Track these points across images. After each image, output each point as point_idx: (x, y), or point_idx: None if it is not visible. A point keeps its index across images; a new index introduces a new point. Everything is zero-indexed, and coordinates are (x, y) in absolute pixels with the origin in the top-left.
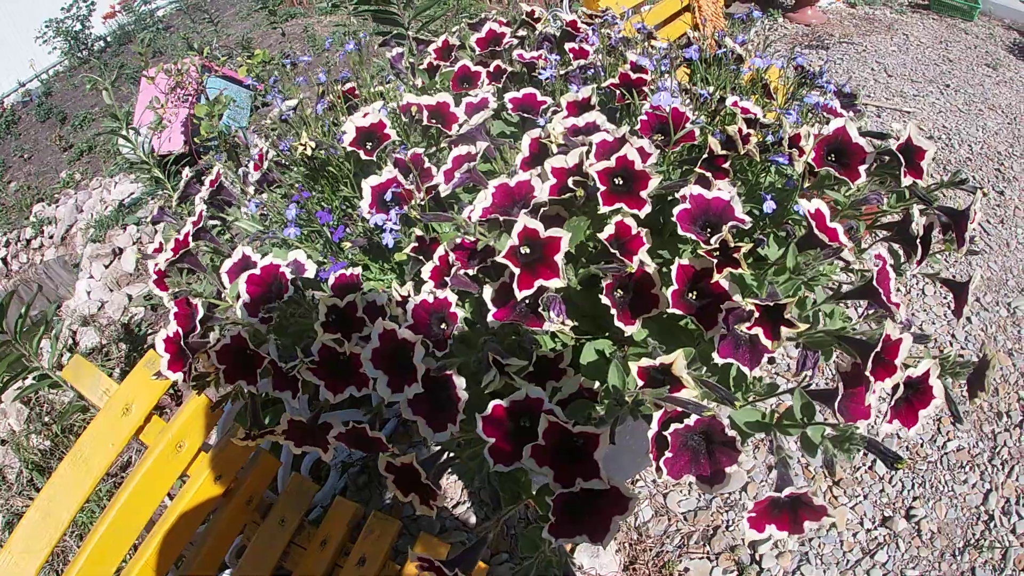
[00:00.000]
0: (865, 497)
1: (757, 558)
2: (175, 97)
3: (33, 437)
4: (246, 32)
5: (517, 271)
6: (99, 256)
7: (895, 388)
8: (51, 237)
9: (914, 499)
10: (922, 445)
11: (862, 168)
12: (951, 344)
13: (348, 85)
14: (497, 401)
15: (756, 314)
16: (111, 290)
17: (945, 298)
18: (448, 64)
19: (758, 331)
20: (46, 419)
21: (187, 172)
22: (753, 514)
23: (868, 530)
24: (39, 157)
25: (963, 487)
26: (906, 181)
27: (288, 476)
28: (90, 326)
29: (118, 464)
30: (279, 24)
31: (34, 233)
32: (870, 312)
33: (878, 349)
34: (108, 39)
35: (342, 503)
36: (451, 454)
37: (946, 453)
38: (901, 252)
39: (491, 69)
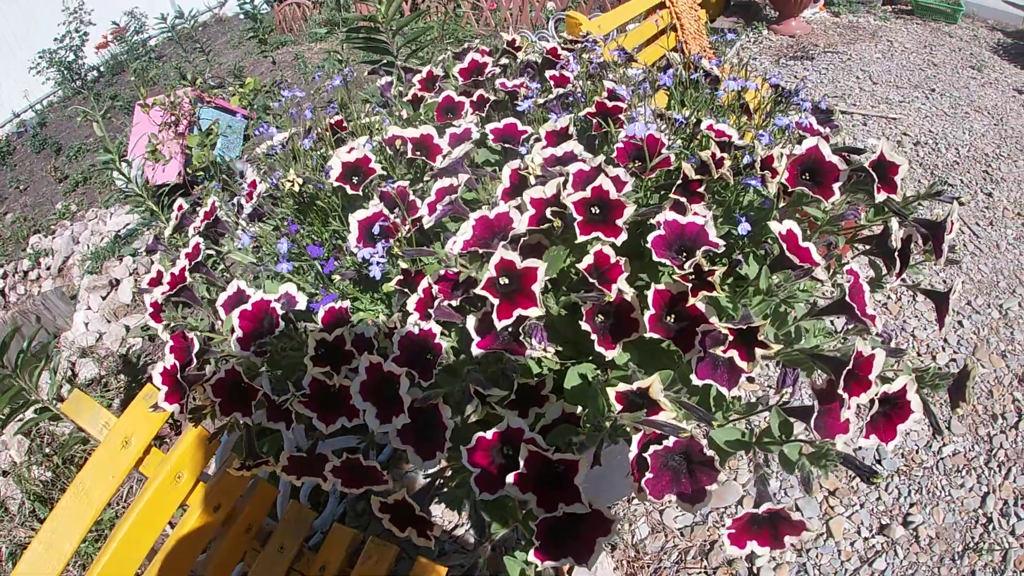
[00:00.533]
0: (861, 506)
1: (755, 571)
2: (169, 128)
3: (35, 468)
4: (238, 60)
5: (496, 302)
6: (96, 287)
7: (870, 403)
8: (48, 268)
9: (911, 505)
10: (917, 451)
11: (836, 186)
12: (944, 349)
13: (336, 118)
14: (480, 432)
15: (730, 337)
16: (109, 321)
17: None
18: (433, 94)
19: (733, 354)
20: (47, 450)
21: (180, 202)
22: (732, 530)
23: (866, 539)
24: (35, 188)
25: (960, 491)
26: (880, 197)
27: (287, 503)
28: (89, 357)
29: (119, 495)
30: (270, 52)
31: (31, 264)
32: (849, 327)
33: (850, 367)
34: (101, 69)
35: (340, 529)
36: (439, 482)
37: (942, 458)
38: (882, 265)
39: (474, 99)
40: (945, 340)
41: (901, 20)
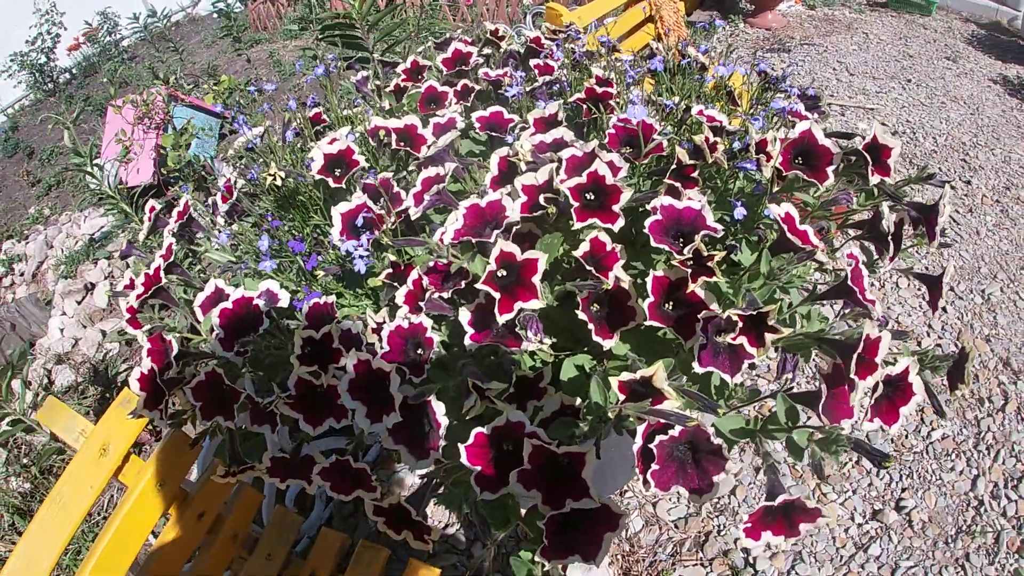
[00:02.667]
0: (854, 492)
1: (751, 560)
2: (142, 128)
3: (12, 480)
4: (211, 59)
5: (498, 296)
6: (71, 292)
7: (874, 387)
8: (22, 274)
9: (903, 490)
10: (907, 436)
11: (830, 169)
12: (928, 335)
13: (315, 111)
14: (479, 428)
15: (740, 324)
16: (84, 326)
17: (919, 289)
18: (416, 85)
19: (743, 340)
20: (24, 461)
21: (152, 203)
22: (749, 524)
23: (859, 524)
24: (7, 193)
25: (951, 475)
26: (874, 179)
27: (272, 508)
28: (65, 364)
29: (100, 504)
30: (244, 51)
31: (5, 271)
32: (847, 311)
33: (860, 350)
34: (73, 71)
35: (328, 534)
36: (436, 482)
37: (931, 443)
38: (873, 249)
39: (458, 88)
40: (929, 326)
41: (876, 12)
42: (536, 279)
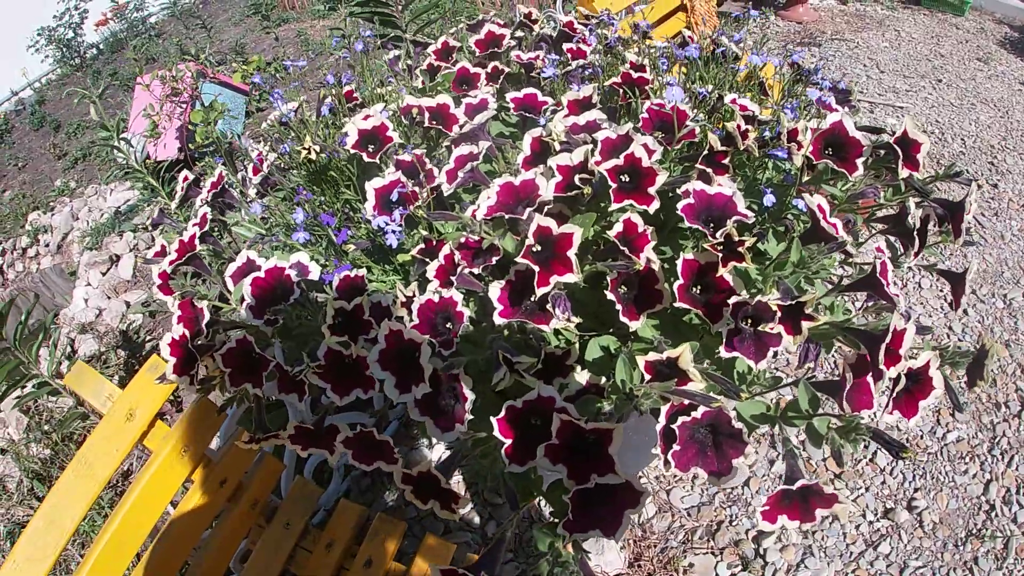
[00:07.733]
0: (867, 489)
1: (761, 552)
2: (170, 104)
3: (33, 446)
4: (239, 37)
5: (536, 269)
6: (96, 264)
7: (896, 379)
8: (47, 245)
9: (915, 490)
10: (922, 437)
11: (859, 161)
12: (948, 336)
13: (346, 88)
14: (511, 402)
15: (779, 313)
16: (109, 297)
17: (941, 291)
18: (448, 65)
19: (780, 329)
20: (45, 427)
21: (186, 174)
22: (767, 507)
23: (871, 522)
24: (33, 165)
25: (964, 478)
26: (903, 173)
27: (292, 480)
28: (88, 334)
29: (120, 471)
30: (272, 29)
31: (30, 242)
32: (869, 304)
33: (888, 340)
34: (101, 46)
35: (347, 506)
36: (462, 454)
37: (946, 444)
38: (898, 245)
39: (489, 70)
40: (950, 328)
41: (908, 10)
42: (571, 253)
